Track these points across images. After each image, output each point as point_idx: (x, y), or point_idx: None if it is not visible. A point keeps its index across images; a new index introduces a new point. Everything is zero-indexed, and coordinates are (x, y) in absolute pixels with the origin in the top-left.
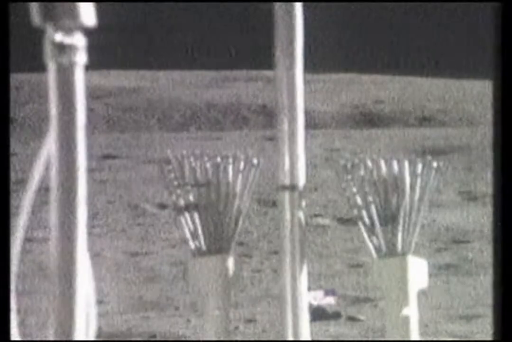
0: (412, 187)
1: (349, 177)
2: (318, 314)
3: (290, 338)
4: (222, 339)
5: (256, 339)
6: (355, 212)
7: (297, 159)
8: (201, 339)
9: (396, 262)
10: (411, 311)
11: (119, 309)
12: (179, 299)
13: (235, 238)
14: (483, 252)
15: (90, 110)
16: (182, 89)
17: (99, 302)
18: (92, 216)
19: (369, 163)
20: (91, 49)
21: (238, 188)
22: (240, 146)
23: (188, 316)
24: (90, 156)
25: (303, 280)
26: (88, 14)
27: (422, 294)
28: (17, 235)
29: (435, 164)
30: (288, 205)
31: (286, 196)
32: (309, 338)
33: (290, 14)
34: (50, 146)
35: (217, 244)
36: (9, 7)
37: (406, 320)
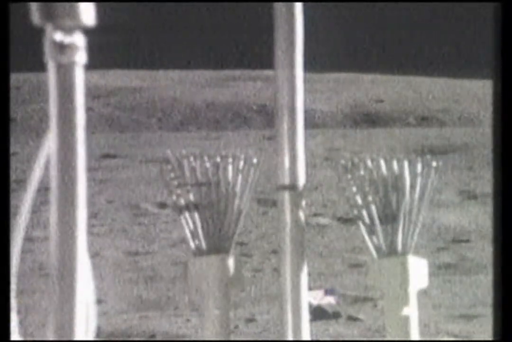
0: (412, 187)
1: (349, 176)
2: (318, 313)
3: (290, 338)
4: (222, 339)
5: (256, 339)
6: (355, 211)
7: (297, 159)
8: (201, 339)
9: (396, 261)
10: (411, 311)
11: (119, 309)
12: (179, 299)
13: (235, 238)
14: (483, 252)
15: (90, 110)
16: (182, 89)
17: (99, 301)
18: (92, 215)
19: (369, 163)
20: (91, 49)
21: (238, 188)
22: (240, 146)
23: (188, 315)
24: (90, 156)
25: (303, 279)
26: (88, 14)
27: (422, 293)
28: (17, 234)
29: (434, 163)
30: (288, 205)
31: (286, 195)
32: (309, 338)
33: (290, 14)
34: (50, 146)
35: (217, 243)
36: (9, 7)
37: (406, 320)
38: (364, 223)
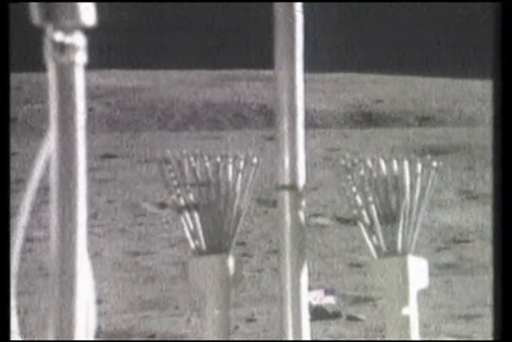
0: (412, 187)
1: (349, 176)
2: (318, 313)
3: (290, 338)
4: (222, 339)
5: (256, 339)
6: (355, 211)
7: (297, 159)
8: (201, 339)
9: (396, 261)
10: (411, 310)
11: (119, 309)
12: (179, 299)
13: (235, 238)
14: (483, 252)
15: (90, 110)
16: (182, 89)
17: (99, 301)
18: (92, 215)
19: (369, 163)
20: (91, 49)
21: (238, 188)
22: (240, 146)
23: (188, 315)
24: (90, 155)
25: (303, 279)
26: (88, 14)
27: (422, 293)
28: (17, 234)
29: (435, 164)
30: (288, 205)
31: (286, 195)
32: (309, 338)
33: (290, 14)
34: (50, 146)
35: (217, 243)
36: (9, 7)
37: (406, 320)
38: (364, 223)
